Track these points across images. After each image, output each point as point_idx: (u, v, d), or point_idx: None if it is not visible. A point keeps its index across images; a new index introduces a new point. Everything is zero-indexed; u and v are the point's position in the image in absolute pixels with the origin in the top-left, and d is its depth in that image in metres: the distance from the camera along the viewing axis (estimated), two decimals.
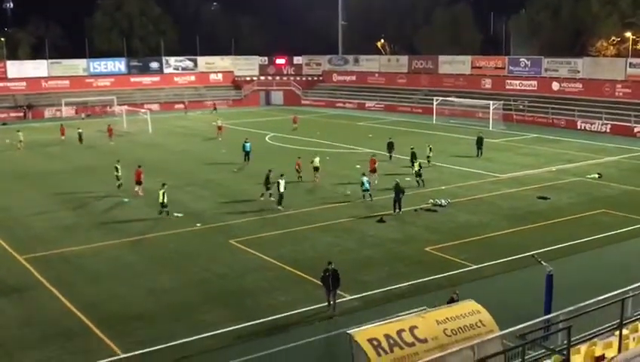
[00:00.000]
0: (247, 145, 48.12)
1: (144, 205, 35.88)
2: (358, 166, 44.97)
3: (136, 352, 19.15)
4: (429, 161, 45.75)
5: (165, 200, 33.30)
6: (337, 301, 22.10)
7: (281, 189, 35.07)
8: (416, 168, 40.13)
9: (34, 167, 48.32)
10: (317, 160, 41.88)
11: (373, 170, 40.38)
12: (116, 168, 40.25)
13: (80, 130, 59.10)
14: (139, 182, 38.61)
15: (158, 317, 21.75)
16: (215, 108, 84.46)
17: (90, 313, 21.89)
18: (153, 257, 27.87)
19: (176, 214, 34.18)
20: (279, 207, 34.73)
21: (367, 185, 36.42)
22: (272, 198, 36.11)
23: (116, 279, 25.25)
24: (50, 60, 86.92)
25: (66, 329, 20.86)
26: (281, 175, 35.82)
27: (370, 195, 36.30)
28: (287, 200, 36.01)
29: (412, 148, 45.32)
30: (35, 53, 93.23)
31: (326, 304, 21.84)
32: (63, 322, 21.41)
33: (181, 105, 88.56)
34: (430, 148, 47.11)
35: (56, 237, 30.77)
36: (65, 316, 21.86)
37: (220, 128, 66.24)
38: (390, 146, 48.53)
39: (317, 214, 34.10)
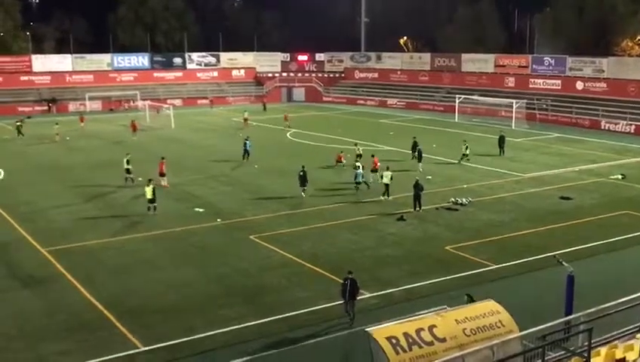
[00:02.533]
0: (247, 143, 48.16)
1: (167, 199, 36.07)
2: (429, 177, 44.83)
3: (157, 346, 19.33)
4: (467, 159, 46.07)
5: (154, 196, 33.43)
6: (358, 297, 22.12)
7: (386, 181, 35.94)
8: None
9: (58, 161, 48.86)
10: (360, 148, 44.66)
11: (374, 170, 40.29)
12: (127, 162, 40.45)
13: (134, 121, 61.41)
14: (162, 174, 38.93)
15: (179, 312, 21.91)
16: (212, 103, 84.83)
17: (112, 306, 22.12)
18: (174, 252, 28.07)
19: (197, 209, 34.39)
20: (383, 198, 35.85)
21: (360, 177, 37.33)
22: (303, 195, 36.71)
23: (137, 273, 25.47)
24: (74, 55, 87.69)
25: (87, 322, 21.10)
26: (387, 167, 36.90)
27: (358, 186, 37.48)
28: (308, 197, 36.47)
29: (414, 138, 47.27)
30: (60, 48, 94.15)
31: (346, 315, 21.00)
32: (84, 315, 21.65)
33: (204, 101, 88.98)
34: (466, 146, 46.79)
35: (79, 230, 31.10)
36: (86, 309, 22.10)
37: (245, 121, 66.94)
38: (415, 146, 47.96)
39: (337, 211, 34.13)
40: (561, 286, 19.52)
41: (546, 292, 22.80)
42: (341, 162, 43.97)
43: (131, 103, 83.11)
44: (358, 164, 39.30)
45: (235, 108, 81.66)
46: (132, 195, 37.49)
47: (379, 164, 40.91)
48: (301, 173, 37.14)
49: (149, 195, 33.46)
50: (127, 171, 40.25)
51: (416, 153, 45.11)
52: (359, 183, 37.65)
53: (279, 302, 22.51)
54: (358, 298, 21.16)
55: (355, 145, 46.50)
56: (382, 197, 36.09)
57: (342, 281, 21.07)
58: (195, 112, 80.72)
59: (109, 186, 39.96)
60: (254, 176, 43.01)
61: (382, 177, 36.68)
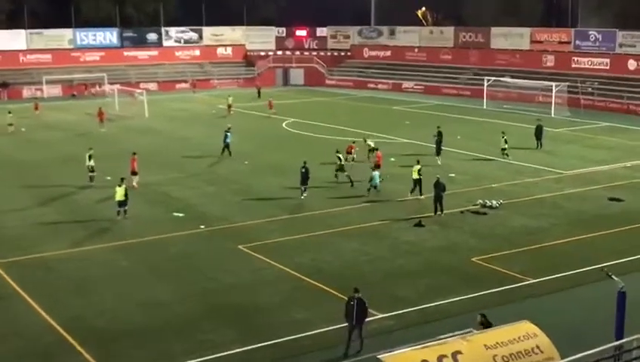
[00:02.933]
0: (228, 135, 47.92)
1: (141, 202, 36.09)
2: (392, 159, 44.92)
3: None
4: (505, 154, 46.15)
5: (126, 198, 33.48)
6: (367, 319, 22.12)
7: (415, 176, 36.81)
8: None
9: (10, 156, 48.91)
10: (372, 142, 45.35)
11: (378, 166, 40.32)
12: (89, 157, 40.41)
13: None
14: (134, 173, 38.98)
15: (154, 335, 21.89)
16: (195, 87, 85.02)
17: (75, 329, 22.08)
18: (149, 264, 28.06)
19: (176, 214, 34.40)
20: (411, 195, 36.69)
21: (376, 180, 37.61)
22: (303, 196, 37.04)
23: (105, 289, 25.45)
24: (29, 30, 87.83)
25: (45, 348, 21.09)
26: (417, 161, 37.54)
27: (370, 189, 37.71)
28: (306, 199, 36.69)
29: (438, 128, 47.55)
30: (11, 22, 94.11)
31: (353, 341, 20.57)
32: (42, 339, 21.64)
33: (184, 85, 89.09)
34: (505, 139, 46.73)
35: (35, 238, 31.11)
36: (44, 332, 22.09)
37: (229, 107, 67.18)
38: (439, 137, 47.97)
39: (343, 216, 34.14)
40: (611, 305, 19.48)
41: (593, 311, 22.75)
42: (351, 154, 43.94)
43: (97, 88, 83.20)
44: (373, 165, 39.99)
45: (220, 93, 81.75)
46: (99, 197, 37.50)
47: (382, 159, 41.30)
48: (303, 170, 37.27)
49: (119, 197, 33.46)
50: (91, 169, 40.28)
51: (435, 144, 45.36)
52: (375, 186, 37.68)
53: (273, 324, 22.48)
54: (368, 320, 21.12)
55: (365, 140, 46.38)
56: (410, 195, 36.52)
57: (346, 301, 20.89)
58: (173, 98, 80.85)
59: (72, 186, 39.99)
60: (244, 174, 43.03)
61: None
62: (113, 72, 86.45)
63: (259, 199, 37.32)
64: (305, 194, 37.10)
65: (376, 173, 38.09)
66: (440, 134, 47.09)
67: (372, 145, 45.41)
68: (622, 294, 19.08)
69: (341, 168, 40.07)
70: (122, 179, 34.39)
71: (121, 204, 33.58)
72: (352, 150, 44.31)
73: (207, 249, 29.75)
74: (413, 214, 33.93)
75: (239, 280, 26.21)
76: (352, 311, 20.40)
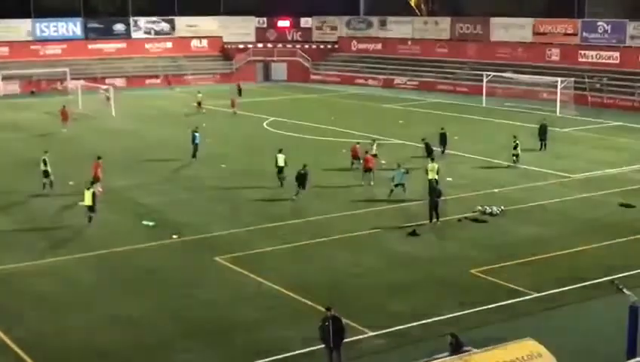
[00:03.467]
0: (197, 135, 47.84)
1: (106, 210, 35.99)
2: (383, 162, 45.03)
3: None
4: (514, 160, 45.16)
5: (93, 203, 33.46)
6: (357, 337, 22.16)
7: (432, 176, 38.00)
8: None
9: None
10: (374, 147, 44.64)
11: (369, 169, 40.67)
12: (44, 162, 40.17)
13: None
14: (97, 179, 38.83)
15: (124, 356, 21.82)
16: (170, 83, 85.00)
17: (34, 349, 21.95)
18: (117, 278, 27.97)
19: (146, 222, 34.32)
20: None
21: (400, 178, 37.46)
22: (295, 198, 37.76)
23: (68, 306, 25.35)
24: None
25: None
26: (432, 159, 39.65)
27: (392, 191, 37.57)
28: (289, 206, 36.95)
29: (442, 129, 48.04)
30: None
31: None
32: None
33: (155, 80, 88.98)
34: (516, 144, 45.37)
35: None
36: (0, 353, 22.01)
37: (198, 105, 67.23)
38: (443, 139, 48.36)
39: (331, 224, 34.17)
40: (622, 321, 19.63)
41: (602, 328, 22.87)
42: (358, 159, 43.43)
43: (59, 84, 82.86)
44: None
45: (195, 89, 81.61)
46: (61, 205, 37.39)
47: (374, 162, 41.49)
48: (302, 172, 37.81)
49: (87, 201, 33.39)
50: (45, 174, 39.95)
51: (435, 145, 45.49)
52: (398, 185, 37.71)
53: (254, 343, 22.45)
54: (355, 339, 21.10)
55: (373, 142, 46.33)
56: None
57: (320, 322, 20.14)
58: (143, 95, 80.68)
59: (31, 193, 39.78)
60: (221, 178, 42.99)
61: (426, 172, 38.45)
62: (76, 66, 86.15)
63: (237, 206, 37.29)
64: (295, 197, 37.60)
65: (398, 171, 37.98)
66: (444, 136, 47.65)
67: (375, 150, 44.71)
68: (634, 309, 19.22)
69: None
70: (92, 183, 34.26)
71: (90, 208, 33.51)
72: (358, 152, 43.75)
73: (180, 261, 29.68)
74: (406, 222, 34.01)
75: (216, 296, 26.16)
76: (328, 332, 19.77)
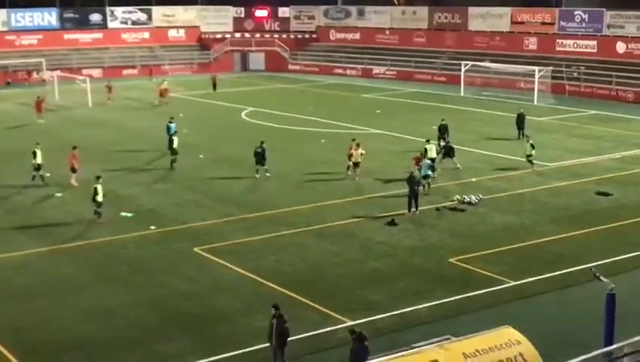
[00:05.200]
0: (172, 126, 47.11)
1: (83, 201, 35.83)
2: (362, 151, 45.04)
3: None
4: (530, 160, 42.11)
5: (101, 198, 33.04)
6: (336, 326, 22.23)
7: (431, 155, 38.92)
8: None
9: None
10: (359, 152, 39.88)
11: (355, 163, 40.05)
12: (34, 154, 39.90)
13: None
14: (73, 170, 38.66)
15: (104, 347, 21.81)
16: (151, 73, 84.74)
17: (13, 341, 21.91)
18: (96, 269, 27.90)
19: (124, 214, 34.22)
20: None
21: (428, 170, 36.59)
22: (268, 174, 39.56)
23: (47, 297, 25.28)
24: None
25: None
26: (428, 140, 40.40)
27: (429, 184, 37.07)
28: (270, 196, 36.80)
29: (443, 121, 47.23)
30: None
31: None
32: None
33: (132, 71, 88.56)
34: (531, 143, 42.41)
35: None
36: None
37: (164, 92, 66.90)
38: (443, 131, 46.83)
39: (309, 214, 34.21)
40: (599, 308, 19.79)
41: (580, 315, 23.11)
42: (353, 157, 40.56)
43: (35, 75, 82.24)
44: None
45: (173, 79, 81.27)
46: (39, 197, 37.20)
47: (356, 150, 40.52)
48: (259, 150, 39.16)
49: (99, 197, 32.88)
50: (37, 167, 39.67)
51: (444, 145, 43.17)
52: (427, 177, 36.49)
53: (233, 333, 22.53)
54: (337, 326, 21.11)
55: (357, 145, 40.45)
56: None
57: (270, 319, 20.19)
58: (120, 86, 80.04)
59: (8, 186, 39.54)
60: (199, 168, 42.88)
61: (425, 151, 38.95)
62: (52, 56, 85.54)
63: (216, 196, 37.26)
64: (257, 175, 39.57)
65: (429, 161, 37.70)
66: (444, 128, 46.69)
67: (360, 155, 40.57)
68: (611, 296, 19.34)
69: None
70: (98, 178, 33.53)
71: (98, 204, 32.97)
72: (354, 151, 40.40)
73: (159, 252, 29.64)
74: (385, 212, 34.09)
75: (196, 286, 26.16)
76: (272, 331, 19.76)
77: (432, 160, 39.00)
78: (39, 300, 25.07)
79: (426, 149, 39.85)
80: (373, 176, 39.86)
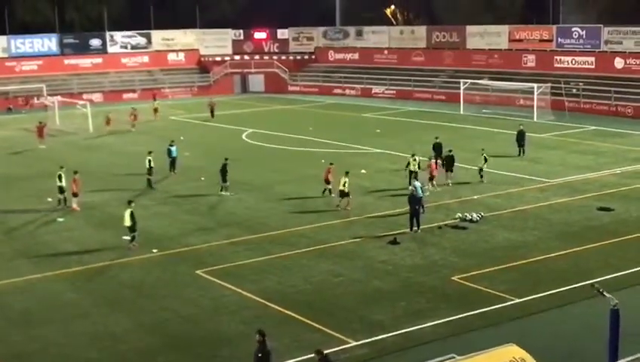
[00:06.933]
0: (173, 149, 47.55)
1: (85, 225, 35.86)
2: (363, 171, 45.11)
3: None
4: (480, 175, 43.20)
5: (128, 223, 32.62)
6: (340, 347, 22.13)
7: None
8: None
9: None
10: (344, 180, 37.71)
11: (327, 181, 39.97)
12: (59, 177, 39.74)
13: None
14: (75, 194, 38.68)
15: None
16: (155, 97, 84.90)
17: None
18: (98, 294, 27.81)
19: (126, 237, 34.14)
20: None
21: (419, 190, 35.24)
22: (228, 193, 40.95)
23: (50, 322, 25.18)
24: None
25: None
26: (412, 154, 41.36)
27: (423, 206, 35.54)
28: (269, 217, 36.79)
29: (437, 139, 47.19)
30: None
31: None
32: None
33: (132, 95, 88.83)
34: (485, 157, 43.52)
35: None
36: None
37: (154, 112, 67.44)
38: (437, 149, 46.61)
39: (310, 234, 34.15)
40: (603, 324, 19.70)
41: (584, 331, 23.00)
42: (329, 183, 40.18)
43: (36, 100, 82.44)
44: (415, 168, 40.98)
45: (173, 102, 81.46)
46: (40, 221, 37.19)
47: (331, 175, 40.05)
48: (224, 164, 40.78)
49: (127, 222, 32.59)
50: (60, 190, 39.44)
51: (445, 155, 43.69)
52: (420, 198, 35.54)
53: (237, 356, 22.38)
54: (340, 348, 21.02)
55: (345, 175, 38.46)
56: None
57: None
58: (120, 110, 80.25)
59: (9, 211, 39.54)
60: (200, 191, 42.86)
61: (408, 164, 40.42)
62: (53, 82, 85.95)
63: (218, 218, 37.24)
64: (223, 193, 40.71)
65: (417, 183, 36.58)
66: (438, 146, 46.39)
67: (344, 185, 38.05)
68: (615, 312, 19.26)
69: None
70: (130, 202, 33.50)
71: (131, 229, 32.72)
72: (329, 174, 40.14)
73: (161, 275, 29.56)
74: (387, 231, 34.04)
75: (198, 309, 26.08)
76: (256, 356, 19.37)
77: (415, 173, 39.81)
78: (41, 326, 24.97)
79: (408, 162, 41.23)
80: (374, 196, 39.82)
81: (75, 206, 38.55)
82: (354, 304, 26.00)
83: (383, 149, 53.34)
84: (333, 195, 39.36)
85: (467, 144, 53.10)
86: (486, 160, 43.41)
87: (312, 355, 21.48)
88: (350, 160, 48.08)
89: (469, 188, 41.93)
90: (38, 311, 26.27)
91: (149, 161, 43.88)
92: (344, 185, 37.49)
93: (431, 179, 41.03)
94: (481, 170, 43.37)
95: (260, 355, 19.23)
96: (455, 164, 43.39)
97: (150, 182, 43.60)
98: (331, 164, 41.11)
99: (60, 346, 23.39)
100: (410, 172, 41.08)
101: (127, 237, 32.83)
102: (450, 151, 43.62)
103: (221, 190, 41.19)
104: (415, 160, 41.42)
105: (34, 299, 27.32)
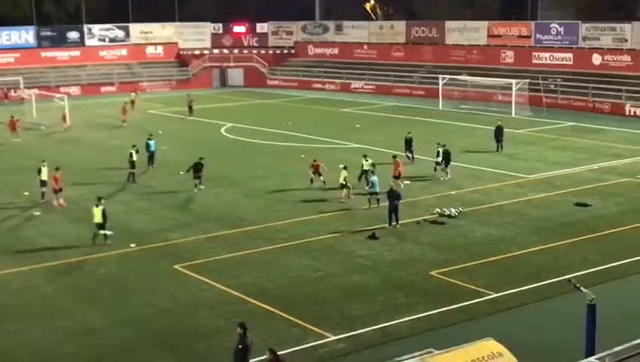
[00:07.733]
0: (152, 143, 47.53)
1: (63, 220, 35.70)
2: (342, 165, 45.13)
3: None
4: (443, 172, 43.33)
5: (104, 220, 32.43)
6: (319, 342, 22.16)
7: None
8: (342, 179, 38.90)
9: None
10: (344, 175, 38.68)
11: (318, 173, 40.72)
12: (39, 171, 39.47)
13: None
14: (55, 191, 38.43)
15: None
16: (136, 91, 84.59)
17: None
18: (75, 289, 27.71)
19: (104, 232, 34.00)
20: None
21: (377, 187, 36.57)
22: (201, 187, 40.83)
23: (27, 318, 25.05)
24: None
25: None
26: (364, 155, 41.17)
27: (378, 201, 36.64)
28: (248, 212, 36.66)
29: (409, 134, 47.49)
30: None
31: None
32: None
33: (110, 88, 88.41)
34: (439, 151, 43.64)
35: None
36: None
37: (130, 105, 68.87)
38: (408, 144, 47.42)
39: (289, 229, 34.16)
40: (580, 319, 19.85)
41: (561, 326, 23.13)
42: (319, 174, 41.12)
43: (12, 93, 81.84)
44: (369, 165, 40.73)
45: (151, 96, 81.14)
46: (17, 215, 36.97)
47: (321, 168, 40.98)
48: (198, 161, 40.94)
49: (97, 218, 32.42)
50: (42, 183, 39.37)
51: (443, 151, 43.48)
52: (375, 193, 36.62)
53: (215, 350, 22.36)
54: (320, 342, 21.04)
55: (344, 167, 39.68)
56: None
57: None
58: (99, 103, 79.98)
59: None
60: (178, 186, 42.74)
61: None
62: (30, 75, 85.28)
63: (196, 213, 37.18)
64: (196, 189, 40.59)
65: (375, 178, 37.31)
66: (409, 141, 47.13)
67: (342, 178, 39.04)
68: (592, 307, 19.42)
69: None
70: (100, 199, 33.28)
71: (100, 226, 32.41)
72: (316, 168, 41.09)
73: (140, 270, 29.48)
74: (366, 226, 34.11)
75: (177, 304, 26.03)
76: (236, 351, 19.41)
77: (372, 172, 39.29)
78: (17, 321, 24.80)
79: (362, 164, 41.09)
80: (353, 191, 39.92)
81: (61, 201, 38.26)
82: (333, 299, 26.05)
83: (362, 144, 53.36)
84: (323, 181, 40.57)
85: (445, 139, 53.18)
86: (439, 154, 43.38)
87: (290, 350, 21.63)
88: (330, 155, 48.08)
89: (447, 183, 42.04)
90: (15, 306, 26.13)
91: (131, 153, 43.66)
92: (344, 179, 38.34)
93: (397, 177, 40.20)
94: (437, 163, 43.69)
95: (240, 347, 19.25)
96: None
97: (133, 176, 43.39)
98: (315, 161, 41.37)
99: (37, 342, 23.24)
100: (364, 171, 40.98)
101: (108, 232, 32.65)
102: (445, 145, 43.74)
103: (195, 186, 40.98)
104: (367, 160, 41.17)
105: (10, 294, 27.16)
